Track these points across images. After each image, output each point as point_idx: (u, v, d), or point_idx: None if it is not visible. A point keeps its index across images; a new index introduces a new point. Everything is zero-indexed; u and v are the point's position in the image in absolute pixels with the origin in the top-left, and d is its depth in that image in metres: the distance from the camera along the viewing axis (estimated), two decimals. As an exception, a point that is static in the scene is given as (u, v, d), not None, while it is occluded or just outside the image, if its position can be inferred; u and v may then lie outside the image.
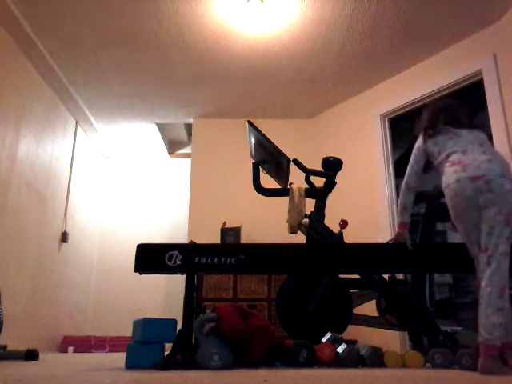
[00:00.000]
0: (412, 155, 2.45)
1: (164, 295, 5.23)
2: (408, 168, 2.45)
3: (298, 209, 2.86)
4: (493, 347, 1.86)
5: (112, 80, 4.19)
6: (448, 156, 2.23)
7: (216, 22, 3.41)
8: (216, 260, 2.34)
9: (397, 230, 2.50)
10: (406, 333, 3.51)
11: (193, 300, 2.26)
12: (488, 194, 2.01)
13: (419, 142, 2.42)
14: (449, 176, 2.16)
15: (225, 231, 4.13)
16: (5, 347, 2.84)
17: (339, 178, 2.95)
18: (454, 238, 4.45)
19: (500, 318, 1.88)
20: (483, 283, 1.97)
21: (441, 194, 3.13)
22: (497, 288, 1.93)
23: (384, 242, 3.81)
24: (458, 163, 2.15)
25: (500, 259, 1.96)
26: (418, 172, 2.42)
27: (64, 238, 4.45)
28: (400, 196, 2.48)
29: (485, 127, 3.45)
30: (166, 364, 2.01)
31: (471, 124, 2.41)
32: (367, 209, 4.07)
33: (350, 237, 2.89)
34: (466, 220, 2.11)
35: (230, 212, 4.45)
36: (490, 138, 3.40)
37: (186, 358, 2.09)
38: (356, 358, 2.32)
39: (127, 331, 2.62)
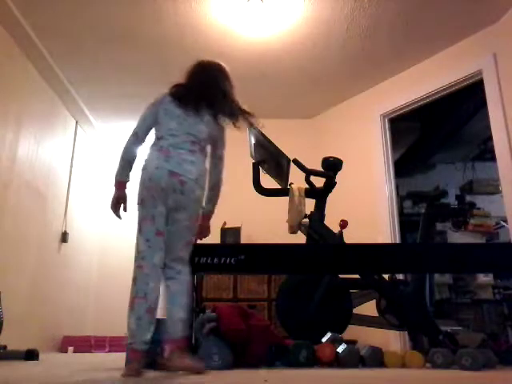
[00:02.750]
0: (147, 109, 2.19)
1: (164, 295, 5.22)
2: (140, 120, 2.18)
3: (298, 209, 2.86)
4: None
5: (112, 80, 4.19)
6: (162, 137, 2.12)
7: (216, 22, 3.41)
8: (216, 260, 2.34)
9: (117, 191, 2.25)
10: (406, 333, 3.51)
11: (193, 300, 2.27)
12: (179, 195, 2.03)
13: (160, 99, 2.17)
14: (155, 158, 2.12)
15: (225, 231, 4.13)
16: (5, 347, 2.84)
17: (339, 177, 2.95)
18: (454, 238, 4.46)
19: None
20: None
21: (441, 195, 3.15)
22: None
23: (384, 242, 3.82)
24: (166, 150, 2.09)
25: None
26: (150, 127, 2.18)
27: (64, 237, 4.44)
28: (126, 150, 2.23)
29: (484, 127, 3.46)
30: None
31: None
32: (367, 209, 4.07)
33: (350, 237, 2.89)
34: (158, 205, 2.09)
35: (230, 212, 4.44)
36: (490, 137, 3.40)
37: (186, 357, 2.09)
38: (356, 358, 2.32)
39: (127, 331, 2.61)
